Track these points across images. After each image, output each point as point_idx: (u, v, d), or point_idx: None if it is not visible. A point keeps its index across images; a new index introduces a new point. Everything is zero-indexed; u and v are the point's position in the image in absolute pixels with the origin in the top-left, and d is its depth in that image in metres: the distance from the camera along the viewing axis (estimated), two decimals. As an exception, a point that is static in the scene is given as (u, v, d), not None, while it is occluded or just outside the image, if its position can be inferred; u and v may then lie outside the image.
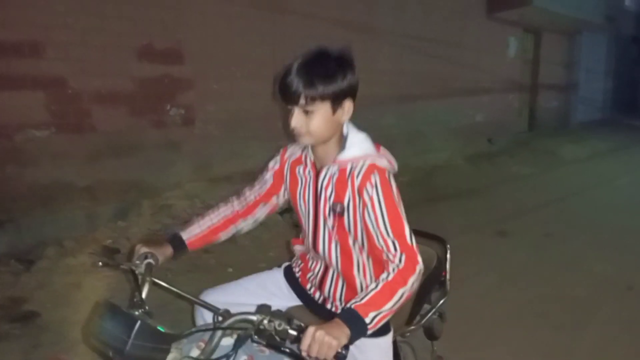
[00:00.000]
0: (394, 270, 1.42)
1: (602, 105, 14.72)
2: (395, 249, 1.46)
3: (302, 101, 1.46)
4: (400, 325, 1.81)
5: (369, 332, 1.34)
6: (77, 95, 4.33)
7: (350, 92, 1.52)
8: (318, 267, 1.72)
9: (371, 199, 1.48)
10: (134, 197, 4.67)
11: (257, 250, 4.38)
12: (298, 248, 1.84)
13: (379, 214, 1.48)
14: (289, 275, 1.85)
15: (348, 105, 1.53)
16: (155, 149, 4.93)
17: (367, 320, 1.32)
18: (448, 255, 2.02)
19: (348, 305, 1.35)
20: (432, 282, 1.94)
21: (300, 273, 1.82)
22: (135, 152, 4.76)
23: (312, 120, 1.49)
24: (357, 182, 1.51)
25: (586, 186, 7.65)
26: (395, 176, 1.57)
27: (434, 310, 1.98)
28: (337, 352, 1.21)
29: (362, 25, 6.99)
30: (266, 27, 5.74)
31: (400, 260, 1.44)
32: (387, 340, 1.64)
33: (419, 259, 1.46)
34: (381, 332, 1.58)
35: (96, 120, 4.48)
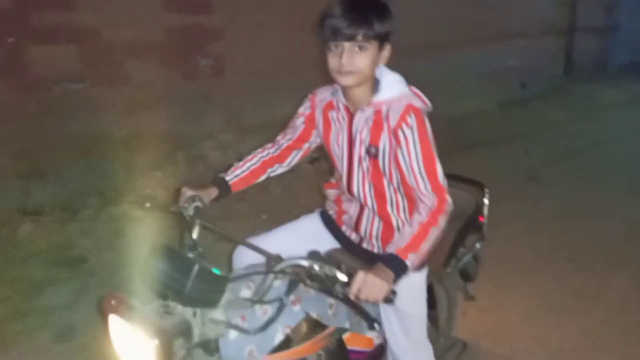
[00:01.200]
0: (425, 210, 1.47)
1: (643, 47, 14.03)
2: (427, 189, 1.49)
3: (359, 37, 1.45)
4: (438, 268, 1.87)
5: (409, 272, 1.40)
6: (110, 47, 4.36)
7: (389, 37, 1.53)
8: (353, 209, 1.77)
9: (406, 139, 1.50)
10: (169, 148, 4.77)
11: (289, 197, 4.47)
12: (331, 192, 1.88)
13: (413, 154, 1.50)
14: (325, 218, 1.90)
15: (387, 50, 1.55)
16: (187, 100, 4.98)
17: (408, 262, 1.38)
18: (486, 200, 2.05)
19: (388, 250, 1.41)
20: (469, 226, 1.99)
21: (335, 216, 1.87)
22: (168, 104, 4.82)
23: (362, 58, 1.49)
24: (393, 123, 1.52)
25: (623, 132, 7.43)
26: (429, 116, 1.58)
27: (469, 253, 2.03)
28: (386, 296, 1.27)
29: (391, -31, 6.76)
30: (293, -26, 5.62)
31: (431, 201, 1.48)
32: (420, 277, 1.70)
33: (449, 198, 1.50)
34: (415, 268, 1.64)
35: (129, 72, 4.53)
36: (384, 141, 1.56)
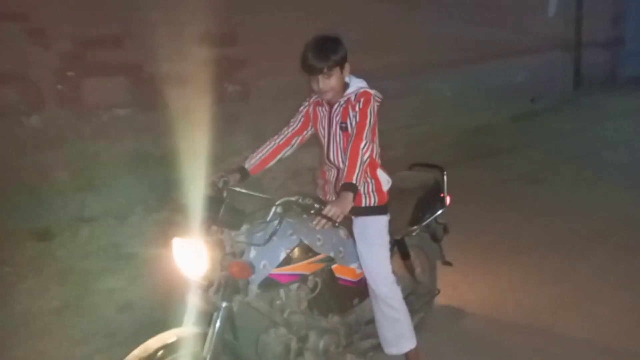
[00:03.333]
0: (348, 147, 2.14)
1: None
2: (354, 136, 2.16)
3: (324, 70, 2.15)
4: (404, 225, 2.47)
5: (360, 189, 2.13)
6: (151, 78, 5.13)
7: (346, 58, 2.22)
8: (332, 175, 2.40)
9: (356, 107, 2.21)
10: (202, 163, 5.44)
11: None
12: (318, 173, 2.54)
13: (355, 116, 2.20)
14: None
15: (347, 66, 2.24)
16: (217, 121, 5.66)
17: (354, 181, 2.04)
18: (445, 179, 2.66)
19: (341, 185, 2.08)
20: (430, 196, 2.61)
21: (322, 192, 2.48)
22: (201, 126, 5.52)
23: (331, 81, 2.19)
24: (353, 102, 2.22)
25: (628, 137, 7.78)
26: (380, 104, 2.27)
27: (432, 217, 2.63)
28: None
29: (399, -3, 7.41)
30: (310, 8, 6.33)
31: (352, 142, 2.14)
32: (383, 220, 2.32)
33: (363, 141, 2.12)
34: (379, 212, 2.29)
35: (168, 99, 5.26)
36: (350, 117, 2.24)
